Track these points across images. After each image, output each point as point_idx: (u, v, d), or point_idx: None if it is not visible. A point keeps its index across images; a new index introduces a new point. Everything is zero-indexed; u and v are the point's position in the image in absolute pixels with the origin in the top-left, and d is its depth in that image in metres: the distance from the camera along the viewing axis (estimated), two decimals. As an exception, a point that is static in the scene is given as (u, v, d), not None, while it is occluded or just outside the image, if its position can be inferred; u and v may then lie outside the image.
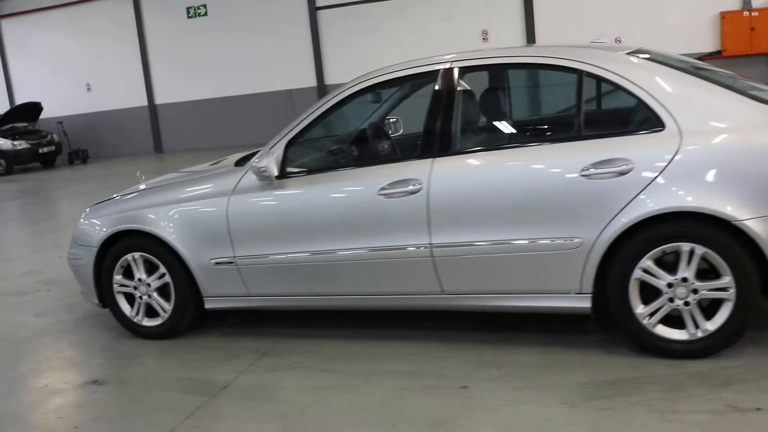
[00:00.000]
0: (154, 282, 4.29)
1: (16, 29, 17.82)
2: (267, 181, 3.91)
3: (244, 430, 3.16)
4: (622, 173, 3.22)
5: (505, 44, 13.97)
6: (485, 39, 14.14)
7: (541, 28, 13.73)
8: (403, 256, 3.64)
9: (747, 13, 12.21)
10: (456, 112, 3.59)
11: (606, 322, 3.56)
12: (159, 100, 16.77)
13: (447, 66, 3.66)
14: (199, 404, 3.45)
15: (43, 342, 4.61)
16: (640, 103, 3.30)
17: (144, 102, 16.84)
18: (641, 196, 3.19)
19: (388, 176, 3.64)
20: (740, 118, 3.19)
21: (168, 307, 4.29)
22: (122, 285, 4.40)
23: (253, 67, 15.13)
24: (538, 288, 3.48)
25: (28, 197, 12.86)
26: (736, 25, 12.25)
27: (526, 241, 3.41)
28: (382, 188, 3.62)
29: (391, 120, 3.61)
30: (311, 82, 15.12)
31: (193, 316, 4.31)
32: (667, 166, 3.16)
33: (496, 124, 3.83)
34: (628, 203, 3.21)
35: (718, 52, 12.58)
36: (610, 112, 3.53)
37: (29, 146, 16.13)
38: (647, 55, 3.56)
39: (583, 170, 3.27)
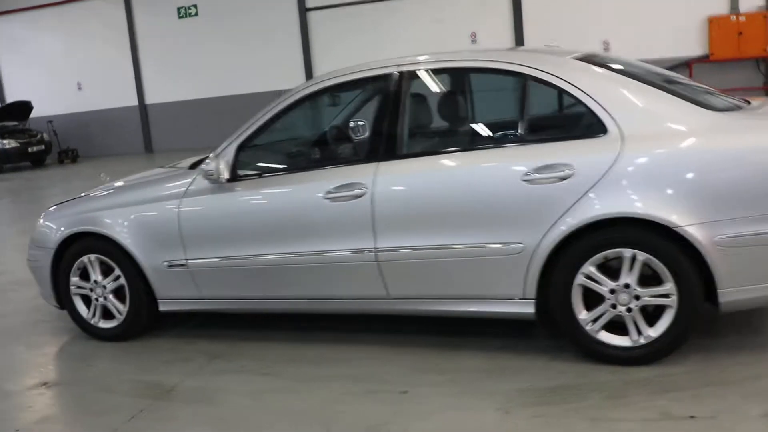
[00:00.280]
0: (110, 284, 4.29)
1: (8, 27, 17.84)
2: (218, 185, 3.90)
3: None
4: (563, 178, 3.20)
5: (493, 46, 13.96)
6: (474, 41, 14.13)
7: (530, 30, 13.72)
8: (350, 260, 3.62)
9: (735, 17, 12.18)
10: (401, 115, 3.58)
11: (552, 328, 3.54)
12: (149, 99, 16.78)
13: (394, 70, 3.65)
14: (143, 407, 3.44)
15: (1, 343, 4.60)
16: (584, 107, 3.28)
17: (134, 102, 16.85)
18: (581, 202, 3.17)
19: (334, 180, 3.62)
20: (682, 123, 3.17)
21: (123, 309, 4.29)
22: (79, 287, 4.39)
23: (243, 68, 15.13)
24: (482, 293, 3.46)
25: (13, 196, 12.86)
26: (724, 29, 12.23)
27: (470, 246, 3.39)
28: (329, 192, 3.61)
29: (359, 123, 3.61)
30: (301, 82, 15.12)
31: (148, 318, 4.30)
32: (607, 171, 3.14)
33: (442, 128, 3.82)
34: (568, 209, 3.19)
35: (706, 57, 12.55)
36: (555, 117, 3.52)
37: (18, 145, 16.14)
38: (596, 60, 3.54)
39: (525, 175, 3.25)
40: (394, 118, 3.58)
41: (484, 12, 13.98)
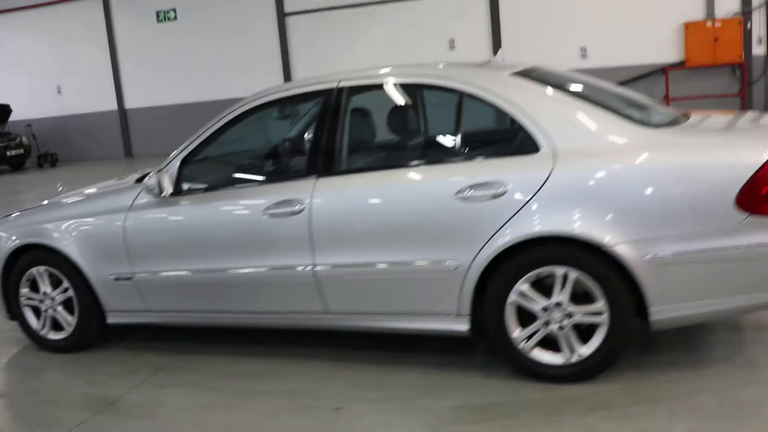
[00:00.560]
0: (58, 296, 4.28)
1: (-14, 30, 17.78)
2: (162, 199, 3.90)
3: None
4: (496, 196, 3.20)
5: (471, 52, 13.99)
6: (452, 47, 14.15)
7: (507, 37, 13.75)
8: (289, 276, 3.62)
9: (710, 23, 12.24)
10: (339, 131, 3.58)
11: (488, 345, 3.55)
12: (129, 104, 16.71)
13: (333, 85, 3.65)
14: (81, 420, 3.45)
15: (-51, 356, 4.58)
16: (517, 124, 3.28)
17: (114, 106, 16.78)
18: (513, 220, 3.17)
19: (274, 196, 3.62)
20: (614, 141, 3.18)
21: (72, 320, 4.28)
22: (29, 298, 4.39)
23: (222, 73, 15.11)
24: (418, 309, 3.47)
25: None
26: (700, 35, 12.28)
27: (405, 263, 3.39)
28: (268, 208, 3.61)
29: (301, 138, 3.62)
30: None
31: (97, 330, 4.30)
32: (539, 189, 3.15)
33: (379, 144, 3.82)
34: (500, 227, 3.19)
35: (682, 63, 12.62)
36: (490, 134, 3.53)
37: (-4, 149, 16.10)
38: (533, 75, 3.55)
39: (458, 193, 3.26)
40: (332, 133, 3.58)
41: (462, 18, 14.00)
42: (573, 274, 3.16)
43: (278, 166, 4.26)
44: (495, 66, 3.73)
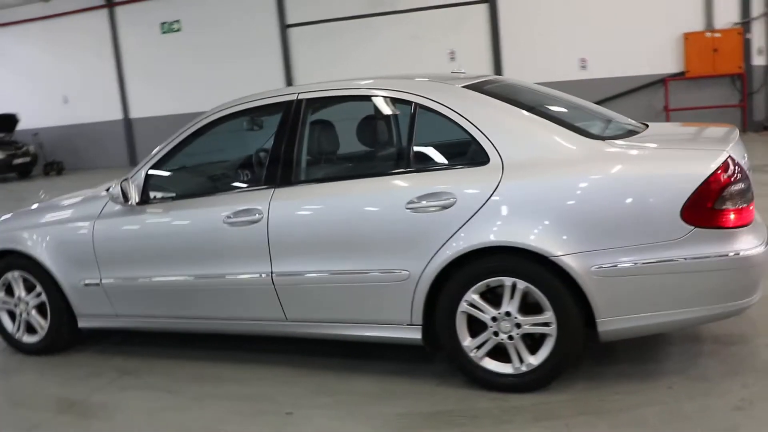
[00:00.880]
0: (32, 300, 4.38)
1: (-5, 41, 18.07)
2: (128, 207, 3.97)
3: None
4: (445, 207, 3.24)
5: (472, 64, 14.02)
6: (453, 58, 14.19)
7: (507, 48, 13.77)
8: (249, 284, 3.68)
9: (710, 34, 12.20)
10: (297, 142, 3.63)
11: (441, 353, 3.58)
12: (134, 113, 16.88)
13: (292, 98, 3.71)
14: (39, 421, 3.53)
15: None
16: (469, 136, 3.32)
17: (119, 115, 16.96)
18: (462, 231, 3.21)
19: (234, 205, 3.68)
20: (561, 153, 3.21)
21: (45, 324, 4.38)
22: (4, 302, 4.50)
23: (225, 83, 15.20)
24: (372, 318, 3.51)
25: (-7, 208, 12.96)
26: (699, 46, 12.23)
27: (359, 272, 3.43)
28: (228, 217, 3.67)
29: (261, 149, 3.69)
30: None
31: (69, 334, 4.38)
32: (487, 200, 3.18)
33: (334, 155, 3.87)
34: (449, 238, 3.23)
35: (682, 74, 12.57)
36: (442, 145, 3.57)
37: (3, 157, 16.25)
38: (488, 88, 3.59)
39: (409, 203, 3.30)
40: (290, 145, 3.64)
41: (462, 30, 14.04)
42: (521, 285, 3.18)
43: (240, 176, 4.33)
44: (450, 78, 3.77)
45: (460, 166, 3.36)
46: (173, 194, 4.00)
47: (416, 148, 3.47)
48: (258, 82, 15.19)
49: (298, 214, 3.55)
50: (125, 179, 3.94)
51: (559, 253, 3.07)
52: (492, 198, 3.18)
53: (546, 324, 3.19)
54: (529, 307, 3.22)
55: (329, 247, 3.47)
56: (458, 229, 3.22)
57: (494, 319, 3.25)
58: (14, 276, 4.40)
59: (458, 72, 4.10)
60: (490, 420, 3.10)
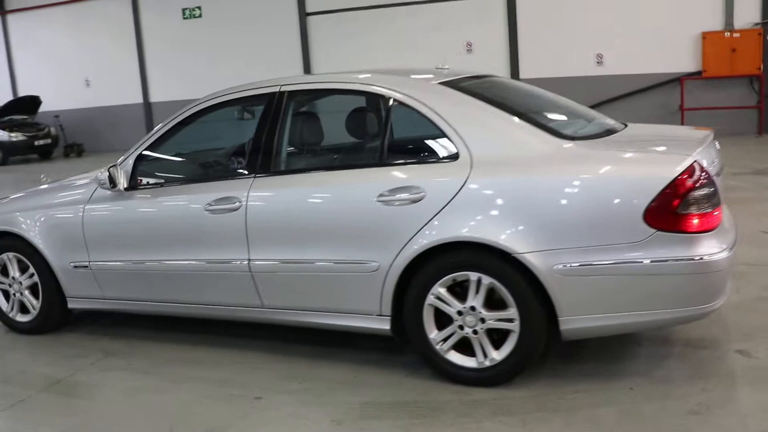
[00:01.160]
0: (25, 281, 4.52)
1: (21, 24, 18.36)
2: (117, 193, 4.09)
3: (44, 422, 3.39)
4: (414, 201, 3.30)
5: (488, 56, 14.00)
6: (469, 50, 14.18)
7: (524, 41, 13.72)
8: (228, 270, 3.78)
9: (728, 34, 12.04)
10: (276, 133, 3.72)
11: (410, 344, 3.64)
12: (154, 98, 17.13)
13: (275, 89, 3.79)
14: (23, 397, 3.67)
15: None
16: (440, 131, 3.38)
17: (140, 99, 17.21)
18: (429, 225, 3.27)
19: (216, 193, 3.78)
20: (531, 151, 3.25)
21: (37, 304, 4.52)
22: (0, 282, 4.63)
23: (244, 69, 15.26)
24: (344, 307, 3.59)
25: (13, 187, 13.25)
26: (717, 46, 12.09)
27: (330, 262, 3.51)
28: (209, 204, 3.77)
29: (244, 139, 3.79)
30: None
31: (59, 314, 4.52)
32: (455, 196, 3.24)
33: (311, 146, 3.94)
34: (417, 231, 3.29)
35: (699, 73, 12.43)
36: (414, 140, 3.63)
37: (25, 138, 16.61)
38: (464, 85, 3.63)
39: (380, 196, 3.37)
40: (270, 135, 3.73)
41: (480, 22, 14.01)
42: (486, 280, 3.24)
43: (223, 164, 4.43)
44: (430, 74, 3.82)
45: (431, 161, 3.42)
46: (160, 181, 4.11)
47: (390, 142, 3.53)
48: (276, 69, 15.31)
49: (275, 204, 3.64)
50: (113, 165, 4.06)
51: (522, 251, 3.12)
52: (459, 194, 3.24)
53: (509, 320, 3.24)
54: (496, 302, 3.28)
55: (303, 236, 3.56)
56: (426, 223, 3.28)
57: (460, 313, 3.31)
58: (9, 257, 4.55)
59: (442, 68, 4.13)
60: (450, 413, 3.16)
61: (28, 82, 18.29)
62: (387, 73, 3.77)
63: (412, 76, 3.70)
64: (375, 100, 3.61)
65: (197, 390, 3.59)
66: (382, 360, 3.75)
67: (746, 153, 10.45)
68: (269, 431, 3.13)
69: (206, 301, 3.96)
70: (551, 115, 3.66)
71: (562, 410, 3.11)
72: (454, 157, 3.32)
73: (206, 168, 4.43)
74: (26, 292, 4.54)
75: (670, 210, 3.00)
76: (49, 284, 4.43)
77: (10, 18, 18.56)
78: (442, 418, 3.12)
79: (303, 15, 15.38)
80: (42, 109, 17.41)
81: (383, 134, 3.53)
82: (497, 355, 3.30)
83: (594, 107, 12.77)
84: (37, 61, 18.25)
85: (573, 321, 3.18)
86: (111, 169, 4.03)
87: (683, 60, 12.52)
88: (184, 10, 16.37)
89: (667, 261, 3.02)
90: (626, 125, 3.92)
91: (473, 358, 3.36)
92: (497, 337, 3.32)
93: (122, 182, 4.04)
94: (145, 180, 4.11)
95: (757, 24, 12.11)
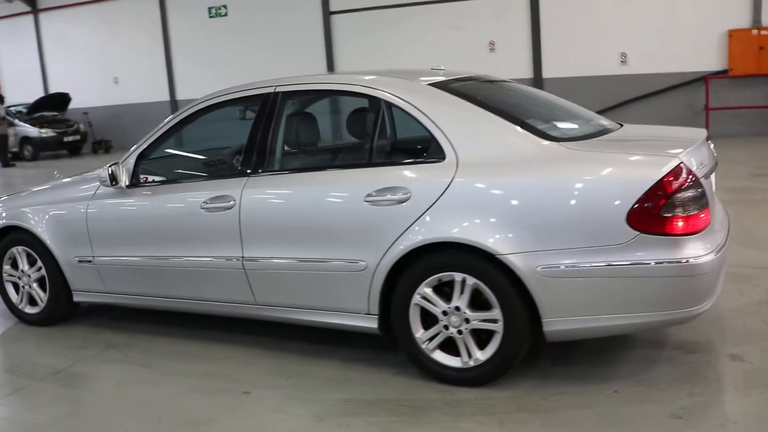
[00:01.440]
0: (34, 274, 4.66)
1: (53, 22, 18.81)
2: (119, 190, 4.19)
3: (37, 410, 3.51)
4: (401, 201, 3.33)
5: (511, 55, 13.92)
6: (492, 49, 14.12)
7: (547, 40, 13.62)
8: (222, 267, 3.85)
9: (756, 31, 11.79)
10: (269, 133, 3.77)
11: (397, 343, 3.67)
12: (180, 95, 17.40)
13: (270, 90, 3.85)
14: (23, 386, 3.80)
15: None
16: (428, 132, 3.40)
17: (166, 97, 17.52)
18: (415, 226, 3.29)
19: (212, 191, 3.85)
20: (516, 152, 3.25)
21: (44, 297, 4.65)
22: (10, 275, 4.79)
23: (269, 68, 15.38)
24: (333, 306, 3.62)
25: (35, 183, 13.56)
26: (744, 44, 11.84)
27: (320, 261, 3.56)
28: (205, 202, 3.84)
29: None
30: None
31: (65, 307, 4.64)
32: (440, 197, 3.26)
33: (303, 147, 3.98)
34: (403, 232, 3.31)
35: (725, 72, 12.21)
36: (403, 140, 3.65)
37: (55, 134, 17.01)
38: (454, 86, 3.63)
39: (368, 196, 3.40)
40: (264, 135, 3.78)
41: (502, 21, 13.96)
42: (471, 281, 3.24)
43: (219, 163, 4.51)
44: (424, 75, 3.83)
45: (418, 162, 3.44)
46: (160, 179, 4.20)
47: (378, 143, 3.56)
48: (300, 67, 15.44)
49: (267, 202, 3.70)
50: (115, 163, 4.16)
51: (505, 252, 3.12)
52: (444, 194, 3.25)
53: (493, 321, 3.24)
54: (481, 303, 3.28)
55: (294, 235, 3.61)
56: (412, 224, 3.30)
57: (445, 313, 3.33)
58: (19, 251, 4.69)
59: (437, 68, 4.14)
60: (431, 412, 3.18)
61: (58, 80, 18.72)
62: (379, 74, 3.80)
63: (402, 78, 3.72)
64: (365, 101, 3.65)
65: (188, 383, 3.67)
66: (372, 358, 3.78)
67: (770, 154, 10.27)
68: (252, 425, 3.18)
69: (202, 297, 4.03)
70: (541, 117, 3.64)
71: (542, 411, 3.11)
72: (440, 158, 3.33)
73: (203, 167, 4.51)
74: (34, 285, 4.67)
75: (654, 212, 2.98)
76: (55, 278, 4.55)
77: (42, 16, 19.01)
78: (422, 416, 3.15)
79: (327, 14, 15.49)
80: (72, 106, 17.81)
81: (372, 135, 3.56)
82: (481, 356, 3.31)
83: (617, 107, 12.80)
84: (68, 58, 18.67)
85: (556, 323, 3.18)
86: (112, 166, 4.12)
87: (709, 58, 12.32)
88: (210, 8, 16.60)
89: (650, 264, 3.00)
90: (622, 126, 3.89)
91: (458, 358, 3.37)
92: (486, 338, 3.32)
93: (124, 180, 4.14)
94: (145, 178, 4.20)
95: (786, 22, 11.86)
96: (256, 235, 3.71)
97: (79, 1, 18.07)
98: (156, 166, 4.28)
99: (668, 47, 12.48)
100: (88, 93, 18.06)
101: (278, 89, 3.83)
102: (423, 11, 14.57)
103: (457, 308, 3.30)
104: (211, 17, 16.66)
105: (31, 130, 16.92)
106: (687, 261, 3.00)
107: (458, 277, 3.27)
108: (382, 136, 3.57)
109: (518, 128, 3.32)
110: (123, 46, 17.83)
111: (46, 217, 4.52)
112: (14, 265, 4.76)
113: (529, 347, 3.34)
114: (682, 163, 3.04)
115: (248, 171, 3.80)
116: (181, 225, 3.96)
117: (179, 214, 3.98)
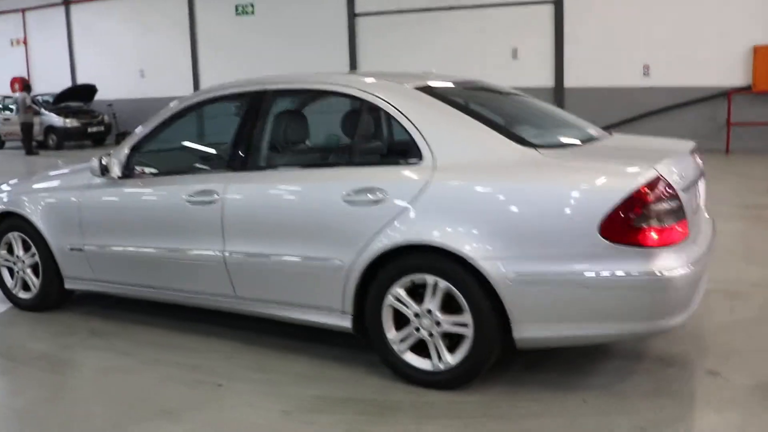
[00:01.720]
0: (28, 260, 4.75)
1: (83, 15, 19.18)
2: (110, 181, 4.26)
3: (17, 393, 3.60)
4: (376, 202, 3.34)
5: (533, 64, 13.85)
6: (515, 56, 14.06)
7: (570, 49, 13.53)
8: (205, 260, 3.90)
9: (782, 48, 11.62)
10: (254, 130, 3.82)
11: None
12: (204, 91, 17.62)
13: (259, 88, 3.89)
14: (7, 369, 3.90)
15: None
16: (407, 134, 3.41)
17: (190, 91, 17.69)
18: (389, 227, 3.30)
19: (197, 185, 3.90)
20: (492, 157, 3.25)
21: (37, 282, 4.74)
22: (6, 259, 4.88)
23: (293, 67, 15.57)
24: (310, 303, 3.65)
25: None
26: (770, 60, 11.69)
27: (298, 258, 3.59)
28: (191, 195, 3.89)
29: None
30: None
31: (57, 293, 4.73)
32: (415, 199, 3.27)
33: (286, 145, 3.99)
34: (378, 232, 3.33)
35: (748, 87, 12.02)
36: (383, 141, 3.66)
37: (79, 125, 17.32)
38: (439, 90, 3.64)
39: (346, 196, 3.42)
40: (249, 132, 3.83)
41: (526, 29, 13.90)
42: (442, 284, 3.24)
43: (207, 158, 4.56)
44: (405, 77, 3.83)
45: (397, 164, 3.45)
46: (151, 171, 4.26)
47: (360, 143, 3.59)
48: (324, 67, 15.58)
49: (248, 198, 3.74)
50: (107, 154, 4.24)
51: (476, 256, 3.12)
52: (419, 197, 3.26)
53: (464, 325, 3.24)
54: (453, 307, 3.27)
55: (273, 231, 3.64)
56: (386, 225, 3.31)
57: (417, 315, 3.33)
58: (15, 236, 4.78)
59: (429, 72, 4.16)
60: (397, 413, 3.18)
61: (86, 71, 19.06)
62: (365, 75, 3.82)
63: (387, 80, 3.73)
64: (350, 102, 3.68)
65: (166, 373, 3.72)
66: (349, 356, 3.79)
67: (789, 172, 10.08)
68: (221, 417, 3.22)
69: (185, 288, 4.08)
70: (525, 124, 3.64)
71: (506, 418, 3.10)
72: (418, 160, 3.34)
73: (192, 161, 4.57)
74: (28, 271, 4.76)
75: (627, 223, 2.96)
76: (48, 264, 4.64)
77: (73, 9, 19.38)
78: (388, 416, 3.15)
79: (352, 15, 15.57)
80: (97, 97, 18.12)
81: (355, 135, 3.58)
82: (452, 359, 3.31)
83: (639, 119, 12.66)
84: (96, 50, 19.01)
85: (526, 330, 3.16)
86: (104, 157, 4.20)
87: (732, 73, 12.14)
88: (237, 6, 16.80)
89: (621, 275, 2.98)
90: (611, 134, 3.86)
91: (429, 361, 3.37)
92: (458, 342, 3.31)
93: (116, 171, 4.21)
94: (137, 170, 4.26)
95: (813, 38, 11.64)
96: (238, 229, 3.75)
97: (109, -5, 18.42)
98: (148, 159, 4.34)
99: (692, 60, 12.32)
100: (114, 85, 18.37)
101: (267, 87, 3.87)
102: (447, 16, 14.58)
103: (429, 311, 3.30)
104: (237, 15, 16.86)
105: (56, 120, 17.25)
106: (660, 273, 2.96)
107: (430, 279, 3.27)
108: (363, 136, 3.59)
109: (497, 134, 3.32)
110: (151, 40, 18.11)
111: (41, 204, 4.61)
112: (10, 250, 4.86)
113: (501, 354, 3.33)
114: (658, 174, 3.01)
115: (233, 167, 3.85)
116: (167, 217, 4.02)
117: (165, 206, 4.04)
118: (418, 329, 3.35)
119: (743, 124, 11.90)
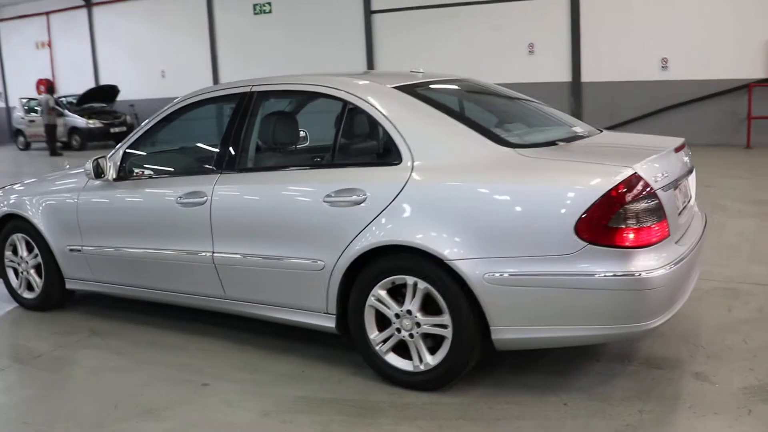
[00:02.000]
0: (31, 260, 4.85)
1: (105, 16, 19.48)
2: (105, 183, 4.34)
3: (9, 391, 3.69)
4: (356, 203, 3.35)
5: (550, 58, 13.72)
6: (531, 52, 13.95)
7: (587, 43, 13.37)
8: (195, 261, 3.95)
9: (804, 40, 11.34)
10: (243, 132, 3.85)
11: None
12: (223, 90, 17.78)
13: (246, 90, 3.92)
14: (3, 367, 3.98)
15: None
16: (387, 135, 3.42)
17: (210, 92, 17.90)
18: (369, 228, 3.31)
19: (187, 187, 3.95)
20: (470, 157, 3.24)
21: (40, 283, 4.84)
22: (11, 260, 5.00)
23: (310, 65, 15.66)
24: (295, 303, 3.67)
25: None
26: (790, 52, 11.42)
27: (282, 259, 3.61)
28: (180, 197, 3.95)
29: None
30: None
31: (59, 294, 4.83)
32: (393, 200, 3.27)
33: (272, 146, 4.02)
34: (358, 233, 3.34)
35: (766, 80, 11.76)
36: (365, 142, 3.66)
37: (102, 125, 17.60)
38: (420, 89, 3.63)
39: (326, 197, 3.44)
40: (237, 133, 3.87)
41: (542, 23, 13.77)
42: (422, 285, 3.24)
43: (196, 160, 4.60)
44: (389, 77, 3.83)
45: (377, 164, 3.46)
46: (143, 173, 4.32)
47: (341, 144, 3.60)
48: (341, 65, 15.64)
49: (235, 199, 3.79)
50: (102, 157, 4.31)
51: (453, 257, 3.11)
52: (397, 197, 3.26)
53: (443, 326, 3.24)
54: (433, 308, 3.27)
55: (258, 232, 3.68)
56: (366, 226, 3.32)
57: (398, 315, 3.34)
58: (18, 238, 4.90)
59: (416, 71, 4.15)
60: (375, 413, 3.19)
61: (109, 72, 19.35)
62: (348, 75, 3.83)
63: (369, 80, 3.74)
64: (331, 102, 3.69)
65: (156, 372, 3.77)
66: (334, 357, 3.82)
67: (810, 167, 9.86)
68: (201, 416, 3.26)
69: (177, 289, 4.14)
70: (508, 122, 3.62)
71: (483, 419, 3.10)
72: (397, 160, 3.34)
73: (182, 163, 4.63)
74: (32, 272, 4.87)
75: (603, 223, 2.93)
76: (50, 265, 4.74)
77: (96, 10, 19.69)
78: (365, 417, 3.17)
79: (368, 12, 15.58)
80: (120, 98, 18.38)
81: (336, 136, 3.59)
82: (432, 360, 3.30)
83: (658, 113, 12.47)
84: (118, 52, 19.29)
85: (504, 331, 3.15)
86: (98, 160, 4.28)
87: (752, 66, 11.90)
88: (255, 5, 16.92)
89: (598, 275, 2.95)
90: (601, 132, 3.83)
91: (410, 362, 3.37)
92: (439, 343, 3.31)
93: (111, 173, 4.28)
94: (131, 172, 4.33)
95: (836, 29, 11.36)
96: (225, 230, 3.80)
97: (131, -4, 18.67)
98: (142, 161, 4.41)
99: (711, 54, 12.11)
100: (135, 86, 18.63)
101: (254, 89, 3.90)
102: (463, 12, 14.51)
103: (409, 312, 3.30)
104: (255, 14, 16.98)
105: (80, 121, 17.54)
106: (638, 274, 2.93)
107: (410, 280, 3.28)
108: (345, 137, 3.60)
109: (475, 133, 3.31)
110: (171, 41, 18.33)
111: (42, 206, 4.71)
112: (15, 251, 4.97)
113: (484, 356, 3.32)
114: (635, 173, 2.97)
115: (221, 168, 3.89)
116: (159, 218, 4.08)
117: (157, 208, 4.10)
118: (399, 330, 3.35)
119: (764, 117, 11.66)
